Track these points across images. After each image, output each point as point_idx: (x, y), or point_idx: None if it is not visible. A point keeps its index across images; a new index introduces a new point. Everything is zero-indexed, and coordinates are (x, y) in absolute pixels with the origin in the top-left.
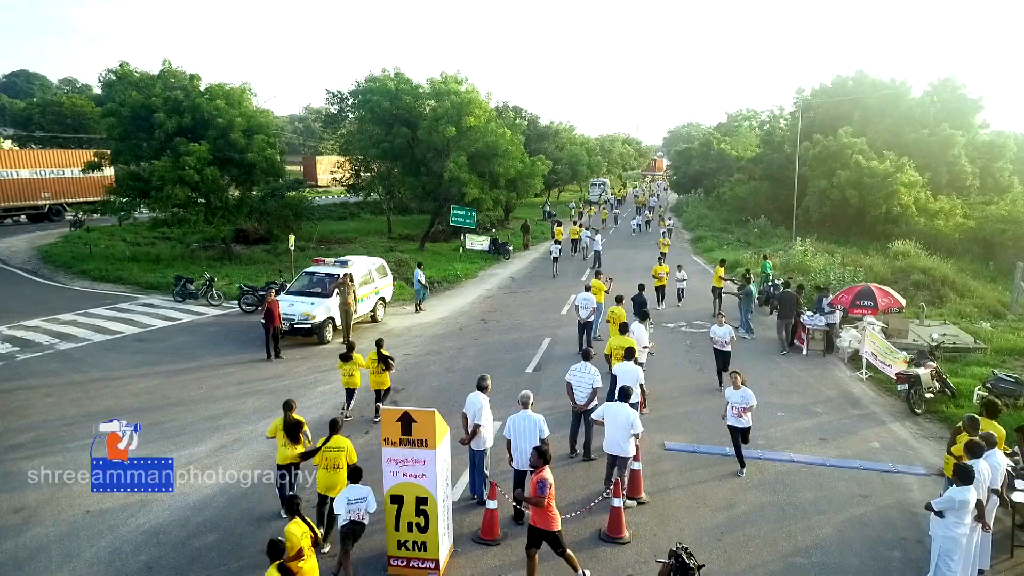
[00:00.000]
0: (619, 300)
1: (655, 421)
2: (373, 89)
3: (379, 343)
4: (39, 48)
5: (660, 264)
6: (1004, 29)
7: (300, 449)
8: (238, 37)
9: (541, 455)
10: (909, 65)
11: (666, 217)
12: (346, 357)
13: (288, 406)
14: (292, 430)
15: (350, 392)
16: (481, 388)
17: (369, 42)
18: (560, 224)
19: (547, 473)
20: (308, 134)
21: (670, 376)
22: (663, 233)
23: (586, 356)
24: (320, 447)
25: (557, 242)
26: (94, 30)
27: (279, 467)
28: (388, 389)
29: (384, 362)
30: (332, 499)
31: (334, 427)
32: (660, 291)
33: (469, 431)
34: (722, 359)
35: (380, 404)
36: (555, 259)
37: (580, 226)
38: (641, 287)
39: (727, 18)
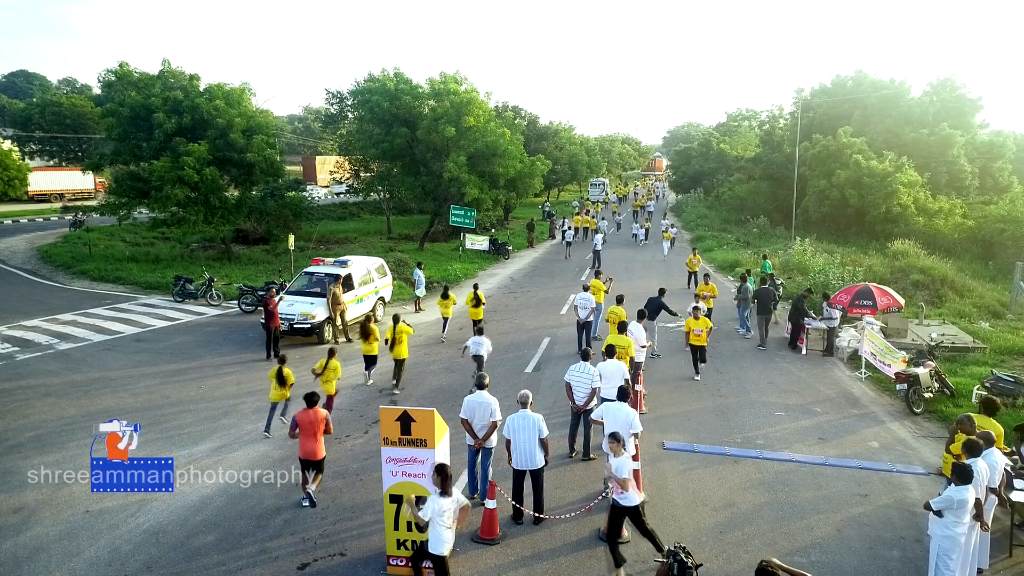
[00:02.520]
0: (619, 300)
1: (654, 421)
2: (373, 89)
3: (476, 287)
4: (39, 48)
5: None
6: (1004, 29)
7: (375, 344)
8: (238, 37)
9: (306, 399)
10: (908, 65)
11: (669, 227)
12: (445, 295)
13: (368, 318)
14: (365, 332)
15: (445, 320)
16: (484, 387)
17: (369, 42)
18: (577, 214)
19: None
20: (308, 134)
21: (669, 376)
22: (691, 249)
23: (585, 356)
24: (390, 338)
25: (575, 230)
26: (94, 30)
27: (365, 358)
28: (481, 319)
29: (478, 299)
30: (399, 360)
31: (396, 320)
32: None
33: (486, 431)
34: None
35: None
36: (568, 244)
37: (593, 217)
38: (662, 291)
39: (727, 18)
